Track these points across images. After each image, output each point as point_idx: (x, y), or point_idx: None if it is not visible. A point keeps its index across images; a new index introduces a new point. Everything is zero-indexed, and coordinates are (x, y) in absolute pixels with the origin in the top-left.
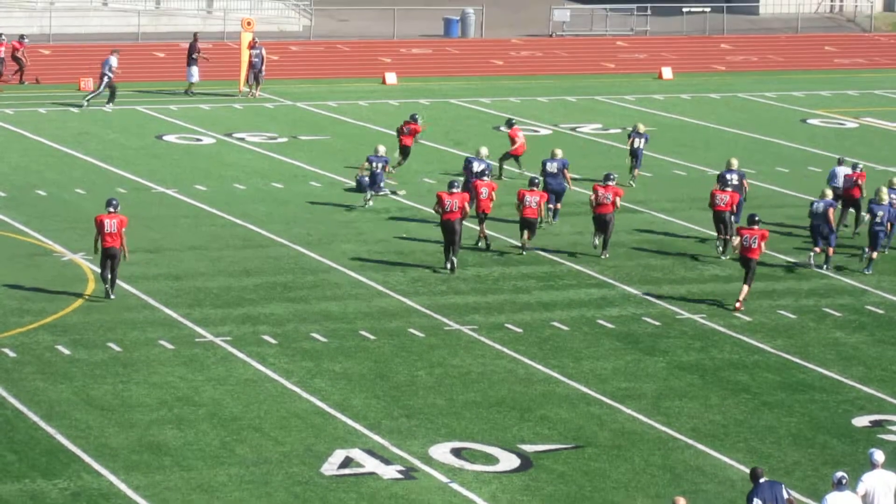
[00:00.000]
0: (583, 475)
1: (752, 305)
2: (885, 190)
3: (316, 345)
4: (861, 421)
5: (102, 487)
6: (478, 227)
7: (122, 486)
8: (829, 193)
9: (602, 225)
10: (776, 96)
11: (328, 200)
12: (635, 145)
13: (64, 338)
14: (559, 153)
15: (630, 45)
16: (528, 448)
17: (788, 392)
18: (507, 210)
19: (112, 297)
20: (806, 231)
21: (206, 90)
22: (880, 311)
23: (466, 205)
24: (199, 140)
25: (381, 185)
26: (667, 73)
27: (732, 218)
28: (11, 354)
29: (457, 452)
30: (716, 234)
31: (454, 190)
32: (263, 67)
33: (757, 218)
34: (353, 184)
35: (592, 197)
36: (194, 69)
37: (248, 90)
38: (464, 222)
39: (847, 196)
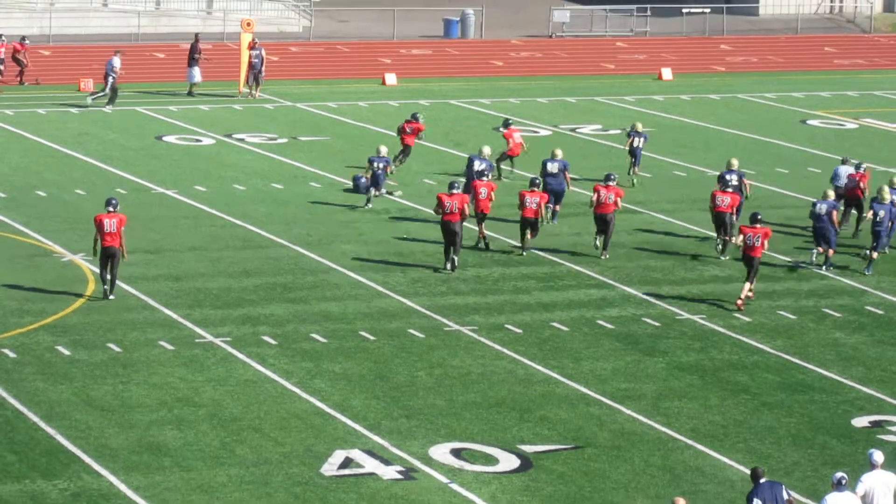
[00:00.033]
0: (582, 476)
1: (751, 306)
2: (887, 189)
3: (316, 345)
4: (860, 421)
5: (102, 488)
6: (477, 228)
7: (122, 487)
8: (832, 194)
9: (603, 225)
10: (776, 97)
11: (328, 201)
12: (634, 144)
13: (64, 338)
14: (559, 153)
15: (630, 45)
16: (528, 448)
17: (788, 392)
18: (507, 210)
19: (111, 297)
20: (805, 231)
21: (206, 91)
22: (880, 312)
23: (466, 206)
24: (198, 141)
25: (382, 185)
26: (666, 73)
27: (734, 219)
28: (11, 355)
29: (457, 453)
30: (715, 235)
31: (454, 191)
32: (263, 68)
33: (759, 216)
34: (352, 184)
35: (594, 197)
36: (196, 70)
37: (248, 91)
38: (464, 224)
39: (849, 196)
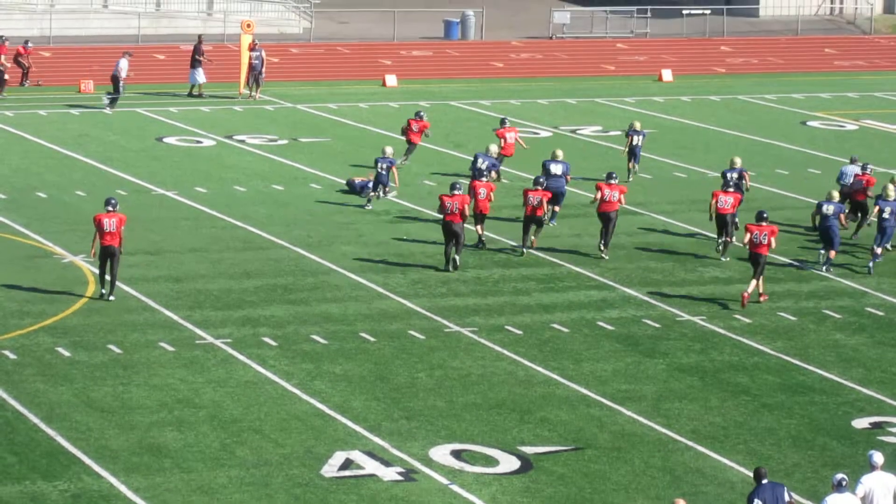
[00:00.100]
0: (583, 477)
1: (752, 307)
2: (891, 187)
3: (316, 347)
4: (861, 423)
5: (103, 489)
6: (477, 228)
7: (123, 488)
8: (836, 195)
9: (606, 222)
10: (776, 98)
11: (328, 202)
12: (634, 143)
13: (64, 340)
14: (560, 154)
15: (630, 47)
16: (528, 450)
17: (788, 394)
18: (507, 211)
19: (111, 298)
20: (805, 232)
21: (206, 92)
22: (880, 313)
23: (466, 207)
24: (199, 142)
25: (387, 186)
26: (667, 75)
27: (736, 220)
28: (12, 356)
29: (457, 454)
30: (716, 236)
31: (455, 192)
32: (263, 69)
33: (766, 214)
34: (364, 186)
35: (597, 195)
36: (199, 71)
37: (249, 92)
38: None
39: (855, 199)
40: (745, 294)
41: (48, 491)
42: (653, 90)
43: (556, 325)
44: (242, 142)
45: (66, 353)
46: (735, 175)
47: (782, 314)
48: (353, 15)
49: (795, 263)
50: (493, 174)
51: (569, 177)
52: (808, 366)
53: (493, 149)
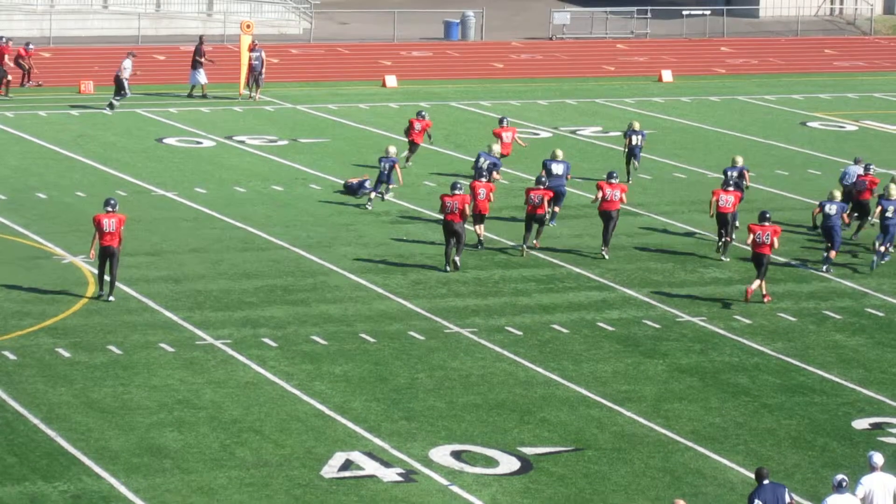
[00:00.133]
0: (583, 478)
1: (752, 308)
2: (893, 186)
3: (316, 347)
4: (861, 423)
5: (103, 490)
6: (475, 229)
7: (123, 489)
8: (838, 195)
9: (607, 221)
10: (776, 99)
11: (328, 203)
12: (633, 143)
13: (64, 340)
14: (560, 154)
15: (630, 47)
16: (528, 451)
17: (788, 394)
18: (507, 211)
19: (111, 299)
20: (807, 232)
21: (208, 93)
22: (880, 314)
23: (467, 206)
24: (199, 143)
25: (390, 186)
26: (667, 75)
27: (737, 223)
28: (12, 357)
29: (457, 455)
30: (717, 237)
31: (456, 192)
32: (263, 70)
33: (768, 214)
34: (359, 186)
35: (599, 194)
36: (201, 72)
37: (249, 93)
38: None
39: (857, 198)
40: (750, 288)
41: (48, 492)
42: (653, 91)
43: (556, 326)
44: (242, 142)
45: (67, 354)
46: (735, 173)
47: (782, 315)
48: (352, 16)
49: (793, 262)
50: (496, 174)
51: (569, 175)
52: (809, 366)
53: (496, 148)
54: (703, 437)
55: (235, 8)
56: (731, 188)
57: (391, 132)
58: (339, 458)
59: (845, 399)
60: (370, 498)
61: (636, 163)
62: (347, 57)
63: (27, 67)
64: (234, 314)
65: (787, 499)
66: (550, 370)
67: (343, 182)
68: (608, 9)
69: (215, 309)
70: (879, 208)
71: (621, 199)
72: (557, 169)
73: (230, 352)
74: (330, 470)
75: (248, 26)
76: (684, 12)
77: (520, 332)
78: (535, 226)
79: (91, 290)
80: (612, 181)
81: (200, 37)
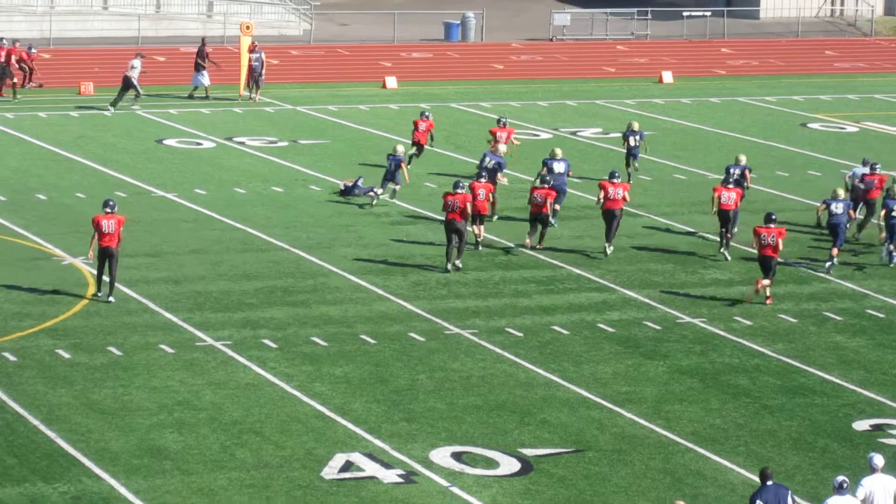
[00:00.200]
0: (583, 479)
1: (752, 309)
2: None
3: (316, 349)
4: (861, 425)
5: (103, 491)
6: (473, 229)
7: (123, 490)
8: (841, 193)
9: (611, 220)
10: (776, 100)
11: (328, 204)
12: (631, 144)
13: (64, 342)
14: (559, 152)
15: (630, 49)
16: (529, 452)
17: (789, 396)
18: (506, 212)
19: (111, 299)
20: (812, 230)
21: (209, 94)
22: (881, 315)
23: (468, 205)
24: (199, 144)
25: (396, 187)
26: (667, 77)
27: (736, 228)
28: (12, 358)
29: (457, 456)
30: (718, 237)
31: (458, 190)
32: (263, 71)
33: (774, 216)
34: (353, 187)
35: (601, 194)
36: (204, 74)
37: (249, 94)
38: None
39: (866, 196)
40: (760, 280)
41: (48, 493)
42: (653, 92)
43: (556, 327)
44: (242, 144)
45: (67, 355)
46: (738, 171)
47: (783, 316)
48: (352, 17)
49: (791, 262)
50: (500, 176)
51: (570, 173)
52: (809, 368)
53: (502, 147)
54: (704, 438)
55: (235, 9)
56: (730, 185)
57: (391, 133)
58: (339, 459)
59: (846, 400)
60: (370, 499)
61: (635, 164)
62: (347, 58)
63: (28, 69)
64: (234, 315)
65: (790, 502)
66: (551, 371)
67: (340, 185)
68: (608, 10)
69: (215, 310)
70: (885, 211)
71: (624, 198)
72: (559, 167)
73: (230, 353)
74: (330, 471)
75: (248, 27)
76: (684, 13)
77: (520, 334)
78: (539, 227)
79: (91, 290)
80: (615, 180)
81: (203, 38)
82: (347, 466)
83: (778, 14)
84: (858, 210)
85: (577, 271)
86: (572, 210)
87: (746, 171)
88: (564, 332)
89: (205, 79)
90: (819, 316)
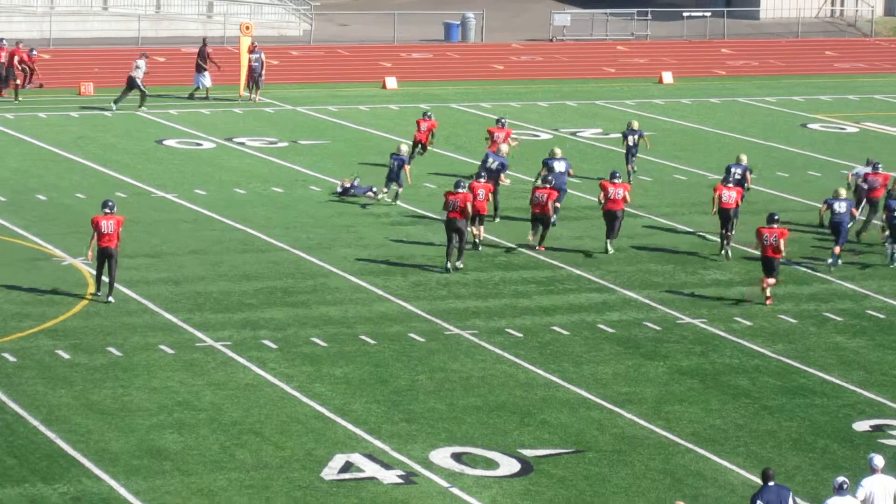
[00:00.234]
0: (583, 480)
1: (752, 310)
2: None
3: (316, 349)
4: (862, 425)
5: (103, 492)
6: (472, 229)
7: (123, 491)
8: (843, 192)
9: (612, 220)
10: (776, 101)
11: (328, 205)
12: (631, 143)
13: (64, 342)
14: (559, 151)
15: (630, 49)
16: (529, 453)
17: (789, 396)
18: (506, 213)
19: (111, 300)
20: (807, 234)
21: (206, 94)
22: (881, 316)
23: (468, 205)
24: (199, 144)
25: (399, 189)
26: (667, 77)
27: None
28: (11, 359)
29: (457, 457)
30: (719, 238)
31: (459, 190)
32: (263, 72)
33: (777, 217)
34: (351, 187)
35: (602, 194)
36: (205, 75)
37: (249, 95)
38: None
39: (870, 196)
40: (765, 280)
41: (48, 493)
42: (653, 92)
43: (556, 328)
44: (242, 144)
45: (66, 356)
46: (739, 171)
47: (783, 317)
48: (352, 17)
49: (791, 262)
50: (503, 177)
51: (571, 171)
52: (809, 368)
53: (504, 148)
54: (704, 438)
55: (235, 10)
56: (730, 184)
57: (391, 134)
58: (339, 459)
59: (846, 401)
60: (370, 500)
61: (633, 163)
62: (347, 59)
63: (29, 70)
64: (234, 316)
65: (791, 503)
66: (551, 372)
67: (337, 186)
68: (608, 10)
69: (215, 311)
70: (887, 211)
71: (625, 199)
72: (559, 166)
73: (230, 353)
74: (330, 472)
75: (248, 28)
76: (684, 14)
77: (520, 334)
78: (540, 227)
79: (91, 291)
80: (616, 180)
81: (204, 39)
82: (347, 467)
83: (778, 14)
84: (861, 209)
85: (577, 272)
86: (572, 210)
87: (747, 173)
88: (564, 332)
89: (206, 80)
90: (819, 316)
